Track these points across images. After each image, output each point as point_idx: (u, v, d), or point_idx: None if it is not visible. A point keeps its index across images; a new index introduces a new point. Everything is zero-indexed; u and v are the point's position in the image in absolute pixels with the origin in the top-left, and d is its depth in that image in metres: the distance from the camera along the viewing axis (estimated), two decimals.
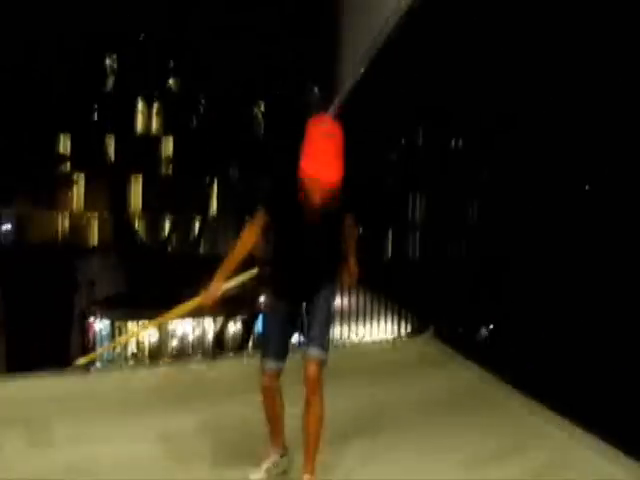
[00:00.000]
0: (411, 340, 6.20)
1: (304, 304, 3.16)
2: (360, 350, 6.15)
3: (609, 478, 3.39)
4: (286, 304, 3.14)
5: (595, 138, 4.68)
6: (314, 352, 2.98)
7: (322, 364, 3.00)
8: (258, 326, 16.91)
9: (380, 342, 6.42)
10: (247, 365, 4.95)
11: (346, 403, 4.11)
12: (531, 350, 5.02)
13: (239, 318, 19.82)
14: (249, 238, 3.05)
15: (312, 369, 2.98)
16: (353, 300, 7.05)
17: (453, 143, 7.46)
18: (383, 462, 3.50)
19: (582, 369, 4.34)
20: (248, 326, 18.88)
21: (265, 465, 3.18)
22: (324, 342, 3.04)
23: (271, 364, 3.10)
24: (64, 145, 25.40)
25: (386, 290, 7.56)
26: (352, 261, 3.27)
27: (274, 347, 3.12)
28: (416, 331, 6.42)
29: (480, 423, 4.11)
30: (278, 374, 3.12)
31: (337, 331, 7.15)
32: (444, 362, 5.44)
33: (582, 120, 4.72)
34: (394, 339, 6.40)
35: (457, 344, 5.76)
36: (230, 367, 5.39)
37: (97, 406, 4.13)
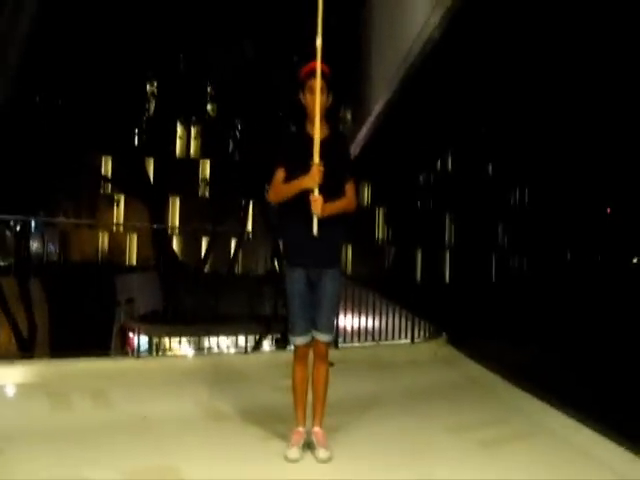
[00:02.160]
0: (426, 343, 6.93)
1: (319, 275, 3.67)
2: (383, 349, 6.80)
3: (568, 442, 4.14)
4: (301, 270, 3.67)
5: (614, 163, 5.19)
6: (324, 337, 3.75)
7: (330, 343, 3.86)
8: (291, 346, 17.33)
9: (402, 343, 7.02)
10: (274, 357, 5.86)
11: (369, 387, 5.25)
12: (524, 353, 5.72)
13: (273, 336, 20.28)
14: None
15: (322, 348, 3.78)
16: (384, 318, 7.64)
17: (483, 167, 7.99)
18: (388, 425, 4.38)
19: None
20: (282, 344, 19.30)
21: (297, 443, 3.71)
22: (331, 327, 3.81)
23: (299, 339, 3.76)
24: (106, 167, 26.43)
25: (409, 302, 8.17)
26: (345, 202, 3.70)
27: (300, 324, 3.73)
28: (431, 336, 7.17)
29: (472, 402, 5.01)
30: (308, 346, 3.77)
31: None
32: (452, 360, 6.23)
33: (603, 147, 5.22)
34: (412, 341, 7.00)
35: (464, 347, 6.53)
36: (258, 358, 6.20)
37: (145, 380, 4.87)
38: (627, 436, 3.92)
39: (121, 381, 4.95)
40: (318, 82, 3.58)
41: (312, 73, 3.60)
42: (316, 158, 3.54)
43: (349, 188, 3.75)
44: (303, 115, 3.73)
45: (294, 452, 3.64)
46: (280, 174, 3.68)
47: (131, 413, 4.29)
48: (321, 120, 3.60)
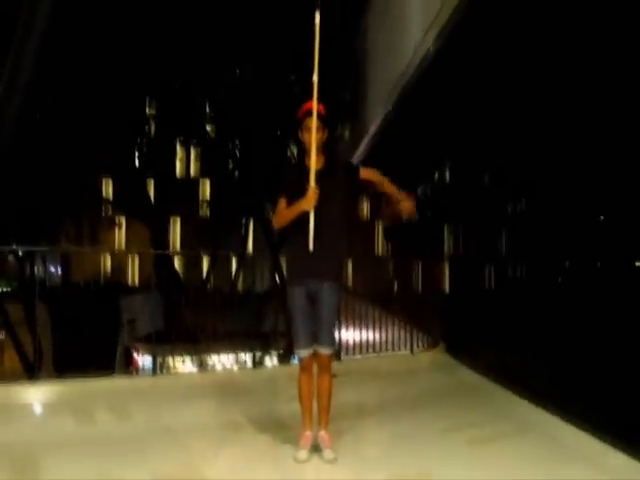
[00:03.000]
0: (425, 353, 7.27)
1: (317, 289, 4.01)
2: (384, 360, 7.13)
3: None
4: (302, 288, 4.03)
5: (614, 165, 5.43)
6: (325, 350, 4.11)
7: (332, 355, 4.20)
8: (294, 360, 17.48)
9: (402, 354, 7.35)
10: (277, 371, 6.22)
11: (370, 395, 5.64)
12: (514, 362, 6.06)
13: (275, 353, 20.47)
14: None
15: (325, 359, 4.13)
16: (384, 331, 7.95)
17: (481, 177, 8.25)
18: (387, 429, 4.79)
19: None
20: (284, 360, 19.49)
21: (305, 446, 4.07)
22: (332, 340, 4.18)
23: (303, 352, 4.10)
24: (107, 189, 26.71)
25: (409, 313, 8.47)
26: (394, 192, 4.19)
27: (303, 338, 4.09)
28: (430, 346, 7.49)
29: (465, 406, 5.41)
30: (311, 358, 4.10)
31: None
32: (449, 368, 6.57)
33: (599, 158, 5.48)
34: (412, 351, 7.33)
35: (461, 356, 6.86)
36: (263, 373, 6.54)
37: (161, 396, 5.19)
38: (618, 436, 4.21)
39: (139, 397, 5.27)
40: (314, 121, 3.95)
41: (308, 113, 3.98)
42: (312, 182, 3.92)
43: (372, 172, 4.21)
44: (302, 150, 4.12)
45: (303, 454, 3.99)
46: (282, 203, 4.10)
47: (152, 425, 4.63)
48: (318, 153, 4.00)
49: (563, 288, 5.79)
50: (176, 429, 4.51)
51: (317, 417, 4.13)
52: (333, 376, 4.20)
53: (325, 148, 4.12)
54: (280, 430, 4.43)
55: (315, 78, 3.94)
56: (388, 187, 4.22)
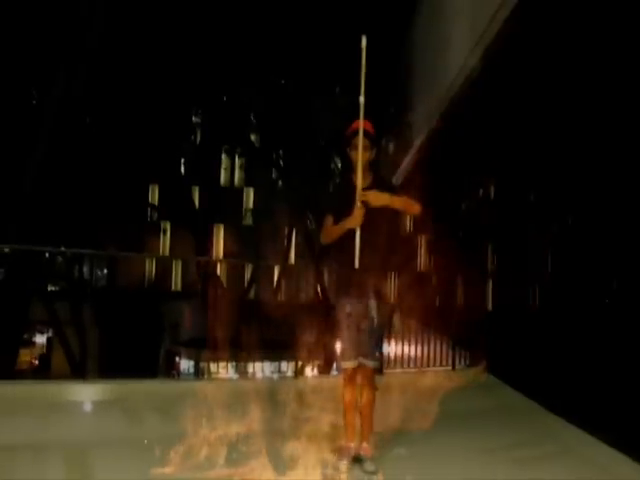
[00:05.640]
0: (467, 370, 7.27)
1: (363, 304, 4.12)
2: (425, 375, 7.15)
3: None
4: (348, 302, 4.14)
5: None
6: (369, 363, 4.18)
7: (374, 369, 4.30)
8: (334, 372, 17.43)
9: (443, 370, 7.35)
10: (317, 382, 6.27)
11: (412, 409, 5.58)
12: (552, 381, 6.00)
13: (315, 363, 20.48)
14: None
15: (368, 372, 4.20)
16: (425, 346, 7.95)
17: (526, 195, 8.19)
18: (429, 444, 4.76)
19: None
20: (325, 371, 19.47)
21: (347, 457, 4.16)
22: (376, 356, 4.27)
23: (348, 364, 4.17)
24: (153, 195, 27.22)
25: (451, 330, 8.45)
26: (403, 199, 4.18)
27: (348, 350, 4.15)
28: (472, 363, 7.50)
29: (508, 426, 5.49)
30: (355, 370, 4.16)
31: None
32: (491, 387, 6.57)
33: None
34: (453, 368, 7.34)
35: (502, 375, 6.85)
36: (304, 383, 6.60)
37: (205, 400, 5.29)
38: None
39: (185, 400, 5.37)
40: (360, 140, 4.08)
41: (357, 132, 4.08)
42: (358, 202, 4.02)
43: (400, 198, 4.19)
44: (349, 167, 4.25)
45: (343, 464, 4.04)
46: (329, 220, 4.24)
47: (196, 428, 4.72)
48: (365, 171, 4.13)
49: (610, 309, 5.71)
50: (221, 433, 4.60)
51: (359, 429, 4.18)
52: (375, 389, 4.25)
53: (372, 166, 4.21)
54: (321, 440, 4.48)
55: (362, 99, 4.03)
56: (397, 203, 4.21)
